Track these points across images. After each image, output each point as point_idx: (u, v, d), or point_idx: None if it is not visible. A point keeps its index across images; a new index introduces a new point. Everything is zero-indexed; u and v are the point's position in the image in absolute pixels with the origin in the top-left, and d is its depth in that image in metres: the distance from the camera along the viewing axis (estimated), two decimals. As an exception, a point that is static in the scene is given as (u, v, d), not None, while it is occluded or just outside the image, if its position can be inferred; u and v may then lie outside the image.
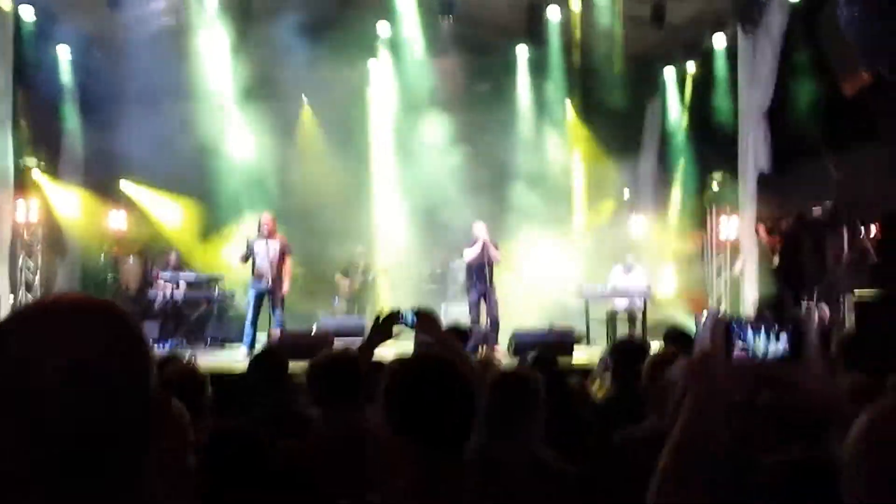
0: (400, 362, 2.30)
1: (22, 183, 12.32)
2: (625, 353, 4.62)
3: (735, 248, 13.48)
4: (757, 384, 2.17)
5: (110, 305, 1.19)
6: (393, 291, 13.52)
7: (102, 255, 13.73)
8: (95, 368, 1.10)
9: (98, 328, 1.13)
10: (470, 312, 11.44)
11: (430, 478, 2.06)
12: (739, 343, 1.58)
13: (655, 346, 4.99)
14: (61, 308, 1.15)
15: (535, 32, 13.89)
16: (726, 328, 1.58)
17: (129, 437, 1.13)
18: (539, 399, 3.18)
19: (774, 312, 9.93)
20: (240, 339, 11.16)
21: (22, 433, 1.08)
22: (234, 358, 10.49)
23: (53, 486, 1.09)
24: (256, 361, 4.61)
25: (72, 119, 13.72)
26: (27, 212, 12.50)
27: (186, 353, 7.47)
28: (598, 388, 4.98)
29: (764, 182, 12.64)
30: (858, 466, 1.32)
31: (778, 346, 1.58)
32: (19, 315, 1.18)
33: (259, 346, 10.52)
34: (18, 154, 12.09)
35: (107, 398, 1.10)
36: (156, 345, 10.86)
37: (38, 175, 12.94)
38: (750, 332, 1.59)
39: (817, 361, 1.61)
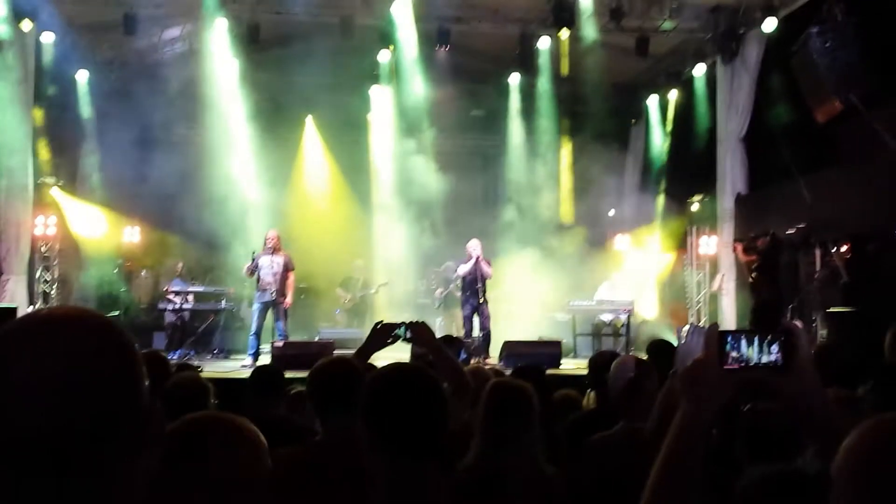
0: (373, 375, 2.25)
1: (41, 199, 12.30)
2: (601, 365, 4.59)
3: (714, 266, 13.49)
4: (749, 393, 2.14)
5: (100, 320, 1.15)
6: (391, 304, 13.45)
7: (116, 269, 13.67)
8: (69, 382, 1.06)
9: (79, 342, 1.09)
10: (464, 325, 11.43)
11: (404, 487, 2.01)
12: (733, 353, 1.56)
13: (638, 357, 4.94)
14: (43, 322, 1.11)
15: (526, 61, 13.92)
16: (719, 337, 1.55)
17: (110, 445, 1.08)
18: (534, 409, 3.12)
19: (767, 321, 9.92)
20: (245, 350, 11.10)
21: None
22: (239, 368, 10.42)
23: (24, 491, 1.05)
24: (256, 373, 4.57)
25: (89, 139, 13.72)
26: (45, 227, 12.45)
27: (193, 364, 7.42)
28: (591, 400, 4.93)
29: (741, 203, 12.67)
30: (848, 481, 1.29)
31: (770, 355, 1.56)
32: (4, 329, 1.14)
33: (263, 357, 10.49)
34: (38, 172, 12.08)
35: (82, 410, 1.06)
36: (166, 355, 10.79)
37: (56, 192, 12.90)
38: (743, 341, 1.56)
39: (809, 371, 1.57)
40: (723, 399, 1.55)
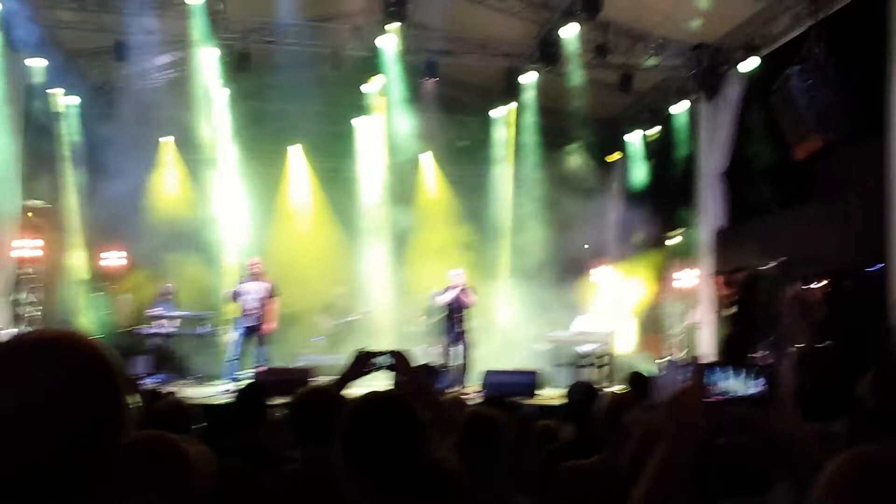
0: (351, 403, 2.23)
1: (26, 222, 12.21)
2: (578, 395, 4.58)
3: (692, 298, 13.54)
4: (729, 425, 2.15)
5: (89, 346, 1.14)
6: (374, 332, 13.41)
7: (99, 291, 13.56)
8: (46, 408, 1.05)
9: (61, 367, 1.09)
10: (443, 354, 11.38)
11: None
12: (715, 385, 1.57)
13: (616, 388, 4.95)
14: (26, 347, 1.11)
15: (511, 94, 14.05)
16: (702, 370, 1.57)
17: (89, 467, 1.07)
18: (509, 440, 3.11)
19: (735, 354, 9.96)
20: (225, 375, 11.00)
21: None
22: (219, 393, 10.33)
23: None
24: (240, 396, 4.52)
25: (76, 163, 13.67)
26: (29, 250, 12.35)
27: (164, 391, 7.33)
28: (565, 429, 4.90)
29: (721, 237, 12.76)
30: None
31: (752, 388, 1.57)
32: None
33: (243, 382, 10.40)
34: (23, 195, 12.01)
35: (60, 435, 1.06)
36: (146, 379, 10.67)
37: (41, 215, 12.81)
38: (725, 373, 1.58)
39: (790, 405, 1.59)
40: (705, 431, 1.57)
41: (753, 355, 10.04)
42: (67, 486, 1.06)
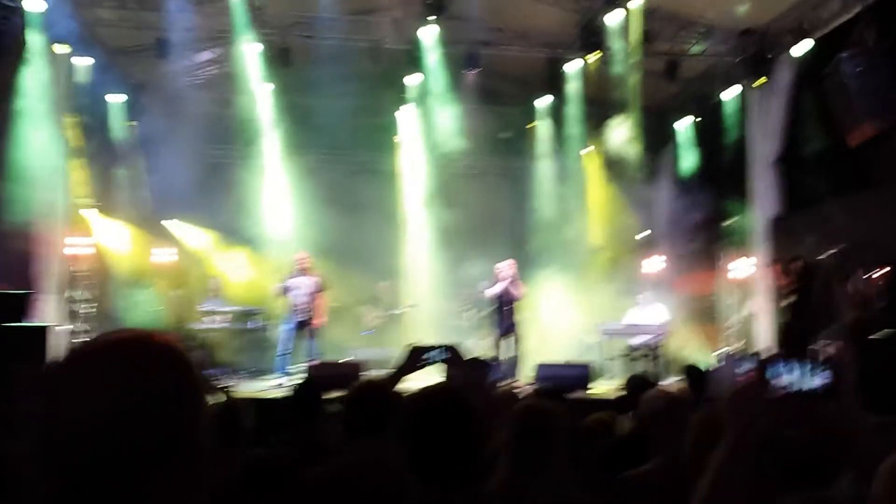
0: (411, 398, 2.23)
1: (75, 220, 12.46)
2: (635, 388, 4.53)
3: (747, 289, 13.36)
4: (792, 419, 2.11)
5: (167, 346, 1.16)
6: (421, 326, 13.45)
7: (148, 288, 13.79)
8: (131, 407, 1.06)
9: (143, 366, 1.10)
10: (494, 347, 11.38)
11: None
12: (776, 380, 1.54)
13: (671, 382, 4.90)
14: (107, 347, 1.13)
15: (554, 84, 13.95)
16: (762, 365, 1.54)
17: (165, 473, 1.09)
18: (563, 433, 3.09)
19: (795, 345, 9.81)
20: (276, 370, 11.13)
21: (56, 463, 1.05)
22: (271, 387, 10.47)
23: None
24: (296, 390, 4.58)
25: (122, 161, 13.92)
26: (79, 247, 12.60)
27: (225, 384, 7.44)
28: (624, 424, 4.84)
29: (775, 226, 12.57)
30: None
31: (813, 382, 1.54)
32: (74, 353, 1.16)
33: (295, 376, 10.52)
34: (72, 193, 12.25)
35: (145, 434, 1.06)
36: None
37: (90, 213, 13.06)
38: (786, 368, 1.55)
39: (851, 398, 1.56)
40: (767, 427, 1.54)
41: (813, 346, 9.88)
42: (153, 484, 1.07)
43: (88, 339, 1.20)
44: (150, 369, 1.10)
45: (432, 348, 3.47)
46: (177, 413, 1.10)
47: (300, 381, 4.83)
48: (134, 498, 1.06)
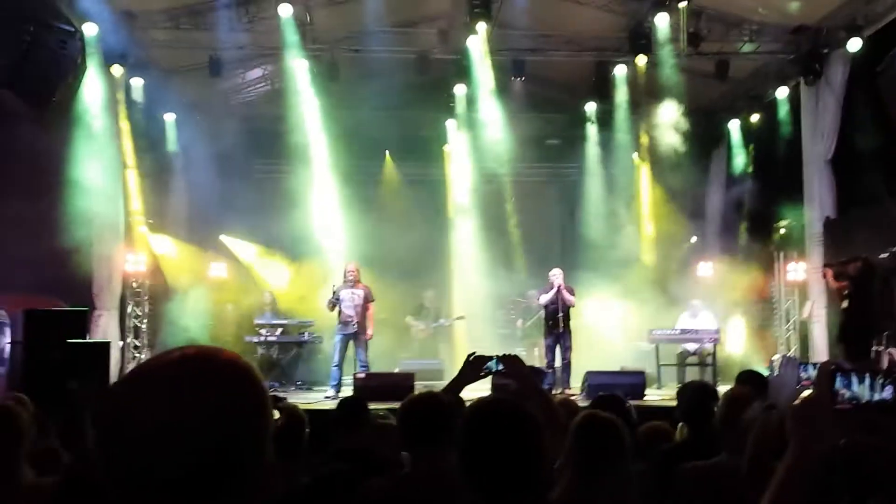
0: (471, 409, 2.23)
1: (131, 237, 12.73)
2: (694, 395, 4.48)
3: (803, 292, 13.10)
4: (859, 432, 2.08)
5: (233, 361, 1.16)
6: (469, 336, 13.45)
7: (203, 303, 14.02)
8: (200, 423, 1.08)
9: (210, 382, 1.11)
10: (546, 355, 11.33)
11: None
12: (843, 391, 1.52)
13: (726, 389, 4.82)
14: (175, 363, 1.14)
15: (602, 89, 13.86)
16: (830, 376, 1.52)
17: (240, 481, 1.10)
18: (625, 441, 3.07)
19: (857, 350, 9.61)
20: (327, 382, 11.22)
21: (121, 479, 1.07)
22: (322, 399, 10.56)
23: None
24: (341, 405, 4.63)
25: (177, 178, 14.20)
26: (136, 263, 12.87)
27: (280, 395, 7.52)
28: (682, 433, 4.78)
29: (830, 227, 12.31)
30: None
31: (881, 393, 1.52)
32: (139, 369, 1.17)
33: (345, 388, 10.60)
34: (128, 210, 12.53)
35: (213, 450, 1.08)
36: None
37: (145, 230, 13.34)
38: (854, 379, 1.53)
39: None
40: (834, 440, 1.52)
41: (872, 350, 9.66)
42: (219, 499, 1.09)
43: (154, 356, 1.22)
44: (218, 384, 1.11)
45: (492, 358, 3.48)
46: (244, 428, 1.11)
47: (344, 394, 4.89)
48: None
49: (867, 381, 1.52)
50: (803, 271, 13.03)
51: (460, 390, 3.56)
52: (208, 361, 1.14)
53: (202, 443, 1.07)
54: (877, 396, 1.52)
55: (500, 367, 3.44)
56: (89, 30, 11.02)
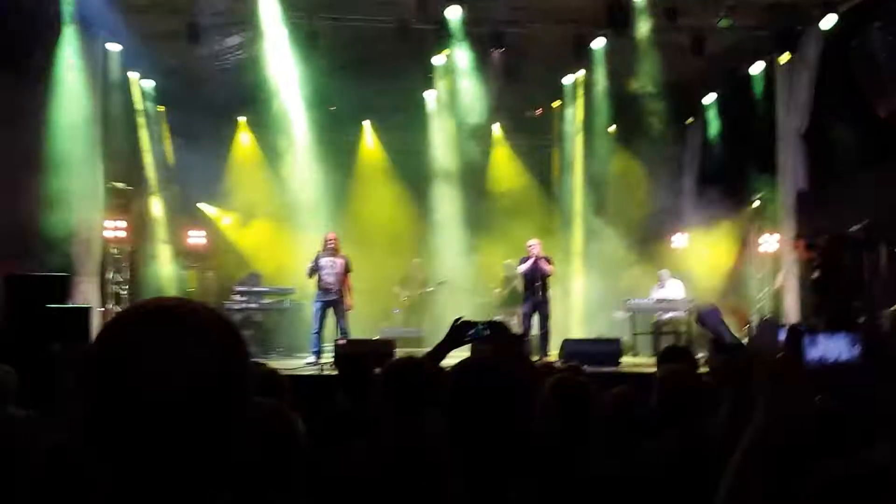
0: (458, 368, 2.23)
1: (110, 203, 12.59)
2: (672, 359, 4.53)
3: (775, 263, 13.25)
4: (827, 388, 2.12)
5: (210, 309, 1.15)
6: (450, 303, 13.49)
7: (183, 270, 13.95)
8: (183, 369, 1.06)
9: (192, 329, 1.09)
10: (522, 322, 11.39)
11: (485, 485, 1.99)
12: (812, 351, 1.54)
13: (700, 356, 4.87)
14: (153, 312, 1.11)
15: (579, 62, 13.84)
16: (798, 336, 1.54)
17: (225, 431, 1.09)
18: (596, 406, 3.10)
19: (842, 318, 9.72)
20: (306, 348, 11.24)
21: (116, 430, 1.06)
22: (303, 365, 10.60)
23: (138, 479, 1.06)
24: (341, 367, 4.61)
25: (155, 145, 14.03)
26: (115, 230, 12.75)
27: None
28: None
29: (802, 200, 12.42)
30: None
31: (849, 353, 1.55)
32: (120, 318, 1.13)
33: (325, 355, 10.63)
34: (107, 176, 12.37)
35: (204, 403, 1.06)
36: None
37: (125, 196, 13.19)
38: (822, 338, 1.55)
39: (889, 368, 1.55)
40: (804, 398, 1.53)
41: (858, 321, 9.79)
42: (203, 450, 1.08)
43: (130, 306, 1.19)
44: (204, 328, 1.10)
45: (477, 324, 3.49)
46: (232, 372, 1.10)
47: (343, 359, 4.88)
48: (198, 458, 1.07)
49: (835, 340, 1.55)
50: (776, 242, 13.17)
51: (444, 356, 3.57)
52: (189, 307, 1.13)
53: (191, 387, 1.05)
54: (844, 355, 1.54)
55: (487, 332, 3.45)
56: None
